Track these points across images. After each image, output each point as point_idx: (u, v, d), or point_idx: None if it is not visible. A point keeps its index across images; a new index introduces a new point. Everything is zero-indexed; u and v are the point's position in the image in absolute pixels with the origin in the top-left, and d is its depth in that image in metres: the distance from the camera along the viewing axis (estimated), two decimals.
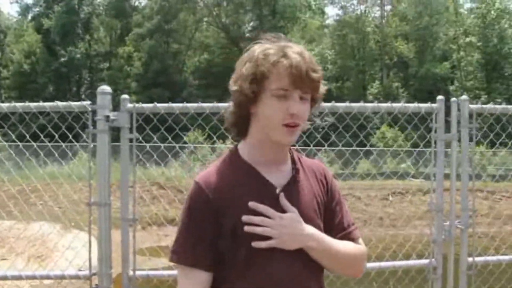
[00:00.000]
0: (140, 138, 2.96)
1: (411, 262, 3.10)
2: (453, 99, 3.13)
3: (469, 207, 3.11)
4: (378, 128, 26.02)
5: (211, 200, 1.48)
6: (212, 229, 1.48)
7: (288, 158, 1.62)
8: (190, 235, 1.49)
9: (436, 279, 3.09)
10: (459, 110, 3.11)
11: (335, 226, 1.62)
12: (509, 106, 3.25)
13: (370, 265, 3.01)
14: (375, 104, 3.06)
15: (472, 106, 3.13)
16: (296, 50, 1.49)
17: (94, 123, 2.82)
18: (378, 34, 41.07)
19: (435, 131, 3.06)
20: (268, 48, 1.52)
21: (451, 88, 36.39)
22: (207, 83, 38.31)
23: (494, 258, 3.29)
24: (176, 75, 38.48)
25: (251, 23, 42.59)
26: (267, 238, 1.47)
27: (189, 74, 40.33)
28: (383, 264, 3.15)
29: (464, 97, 3.16)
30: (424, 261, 3.09)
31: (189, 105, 2.94)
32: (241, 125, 1.60)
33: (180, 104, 2.94)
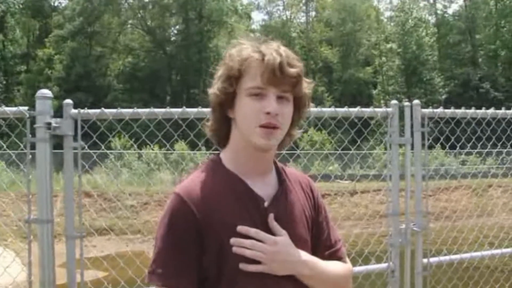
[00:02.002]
0: (86, 147, 2.73)
1: (370, 267, 3.08)
2: (406, 103, 3.16)
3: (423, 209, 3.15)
4: (305, 132, 26.55)
5: (196, 216, 1.33)
6: (196, 246, 1.33)
7: (273, 168, 1.51)
8: (172, 254, 1.33)
9: (394, 282, 3.10)
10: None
11: (322, 243, 1.53)
12: (457, 110, 3.33)
13: None
14: (332, 109, 3.01)
15: (424, 110, 3.17)
16: (271, 46, 1.38)
17: (33, 131, 2.56)
18: (304, 39, 42.05)
19: (390, 136, 3.07)
20: (244, 46, 1.40)
21: (374, 92, 38.01)
22: (132, 87, 37.30)
23: (447, 258, 3.36)
24: (100, 79, 37.10)
25: (177, 27, 41.97)
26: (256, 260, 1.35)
27: (113, 78, 39.03)
28: None
29: (417, 101, 3.19)
30: (382, 265, 3.09)
31: (140, 110, 2.74)
32: (220, 131, 1.47)
33: (130, 110, 2.74)
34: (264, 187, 1.44)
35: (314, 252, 1.47)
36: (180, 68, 38.84)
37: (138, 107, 2.80)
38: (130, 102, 29.75)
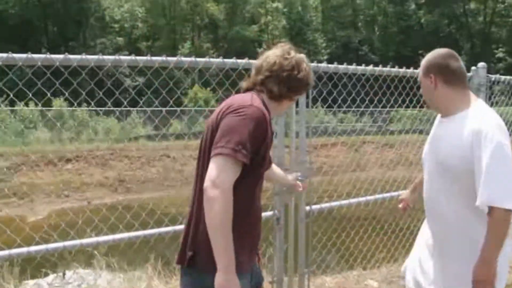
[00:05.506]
0: None
1: None
2: None
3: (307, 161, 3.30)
4: (189, 88, 26.32)
5: (268, 125, 1.95)
6: (261, 144, 1.92)
7: None
8: (251, 142, 1.86)
9: (279, 229, 3.25)
10: None
11: None
12: (340, 66, 3.48)
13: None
14: (220, 60, 2.99)
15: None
16: None
17: None
18: None
19: None
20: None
21: (259, 50, 38.44)
22: (2, 36, 33.86)
23: (327, 204, 3.58)
24: None
25: None
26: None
27: None
28: None
29: None
30: (268, 213, 3.21)
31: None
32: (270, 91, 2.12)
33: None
34: None
35: None
36: (57, 18, 35.97)
37: None
38: None
